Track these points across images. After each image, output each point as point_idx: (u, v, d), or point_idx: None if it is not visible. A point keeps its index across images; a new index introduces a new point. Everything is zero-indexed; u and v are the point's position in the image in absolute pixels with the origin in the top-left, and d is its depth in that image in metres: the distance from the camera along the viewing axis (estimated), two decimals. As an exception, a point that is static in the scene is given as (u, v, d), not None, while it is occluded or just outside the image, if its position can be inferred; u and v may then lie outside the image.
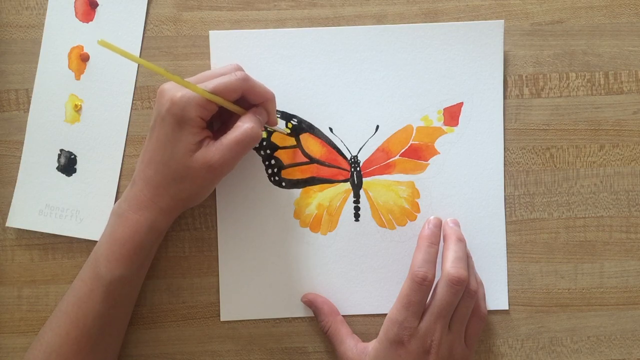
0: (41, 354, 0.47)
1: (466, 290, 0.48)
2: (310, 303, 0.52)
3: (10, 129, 0.53)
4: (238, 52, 0.53)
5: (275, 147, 0.53)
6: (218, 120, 0.51)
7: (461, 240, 0.50)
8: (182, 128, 0.45)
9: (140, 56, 0.53)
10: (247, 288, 0.53)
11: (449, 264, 0.48)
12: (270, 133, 0.53)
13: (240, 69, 0.49)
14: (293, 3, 0.53)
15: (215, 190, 0.53)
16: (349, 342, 0.50)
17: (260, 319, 0.53)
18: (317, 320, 0.52)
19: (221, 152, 0.46)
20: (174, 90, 0.46)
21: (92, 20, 0.53)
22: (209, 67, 0.53)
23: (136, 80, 0.53)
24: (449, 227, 0.52)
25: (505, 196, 0.53)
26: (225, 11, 0.53)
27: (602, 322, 0.54)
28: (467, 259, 0.50)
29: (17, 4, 0.53)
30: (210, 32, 0.53)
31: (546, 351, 0.53)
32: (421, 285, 0.47)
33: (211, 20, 0.53)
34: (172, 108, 0.45)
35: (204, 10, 0.53)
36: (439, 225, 0.51)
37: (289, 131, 0.53)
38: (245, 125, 0.47)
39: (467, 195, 0.53)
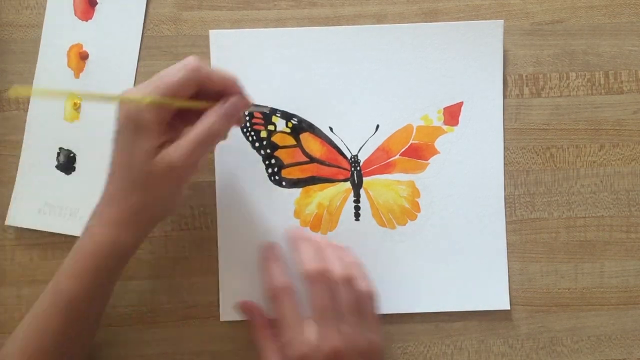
0: None
1: (337, 279, 0.46)
2: (243, 311, 0.52)
3: (10, 129, 0.53)
4: (238, 52, 0.53)
5: (275, 147, 0.53)
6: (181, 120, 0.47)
7: (305, 239, 0.49)
8: (138, 134, 0.43)
9: (140, 55, 0.53)
10: (247, 288, 0.53)
11: (302, 263, 0.47)
12: (270, 133, 0.53)
13: (195, 59, 0.44)
14: (293, 3, 0.53)
15: (215, 190, 0.53)
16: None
17: (260, 319, 0.53)
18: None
19: (180, 151, 0.43)
20: (130, 97, 0.43)
21: (91, 18, 0.53)
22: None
23: (135, 80, 0.53)
24: (290, 231, 0.51)
25: (505, 196, 0.53)
26: (225, 11, 0.53)
27: (602, 322, 0.53)
28: (323, 252, 0.48)
29: (17, 3, 0.53)
30: (210, 31, 0.53)
31: (546, 351, 0.53)
32: (281, 300, 0.46)
33: (211, 19, 0.53)
34: (128, 115, 0.43)
35: (204, 10, 0.53)
36: (272, 247, 0.50)
37: (268, 111, 0.52)
38: (204, 122, 0.44)
39: (467, 195, 0.53)
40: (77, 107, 0.53)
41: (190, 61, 0.44)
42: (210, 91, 0.45)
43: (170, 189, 0.45)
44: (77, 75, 0.53)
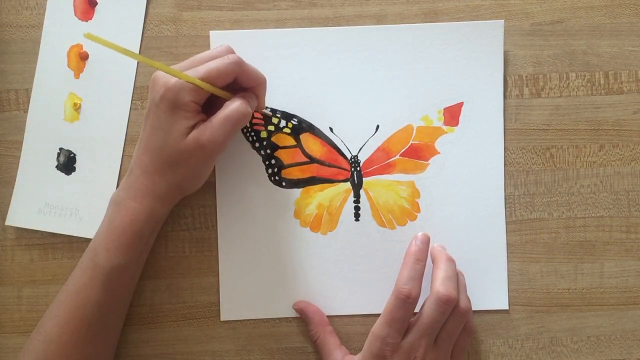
0: (40, 344, 0.47)
1: (457, 309, 0.48)
2: (300, 311, 0.52)
3: (10, 129, 0.53)
4: (238, 52, 0.52)
5: (275, 147, 0.53)
6: (209, 104, 0.50)
7: (451, 260, 0.50)
8: (175, 113, 0.45)
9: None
10: (247, 288, 0.53)
11: (439, 283, 0.48)
12: (270, 133, 0.53)
13: (232, 51, 0.48)
14: (293, 3, 0.53)
15: (215, 190, 0.53)
16: (337, 354, 0.50)
17: (260, 319, 0.53)
18: (306, 328, 0.52)
19: (211, 129, 0.46)
20: (167, 77, 0.46)
21: (91, 18, 0.53)
22: (209, 67, 0.53)
23: (135, 79, 0.53)
24: (437, 248, 0.52)
25: (505, 196, 0.53)
26: (225, 11, 0.53)
27: (602, 322, 0.53)
28: (457, 279, 0.49)
29: (17, 4, 0.53)
30: (211, 32, 0.53)
31: (546, 351, 0.53)
32: (405, 302, 0.46)
33: (211, 20, 0.53)
34: (166, 94, 0.45)
35: (204, 10, 0.53)
36: (426, 241, 0.50)
37: (270, 114, 0.53)
38: (234, 104, 0.47)
39: (467, 195, 0.53)
40: (77, 107, 0.53)
41: (232, 54, 0.47)
42: (236, 85, 0.48)
43: (200, 166, 0.48)
44: (77, 76, 0.53)
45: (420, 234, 0.50)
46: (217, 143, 0.46)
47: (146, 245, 0.49)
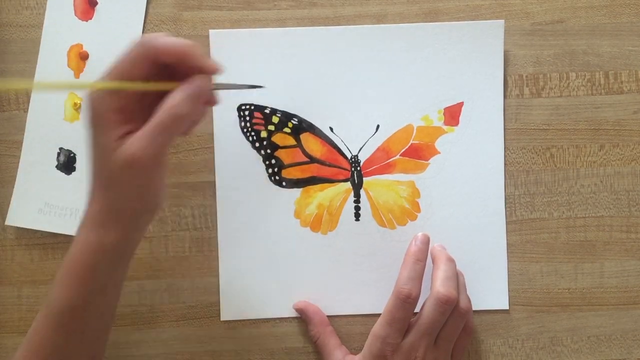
0: None
1: (457, 309, 0.48)
2: (301, 311, 0.52)
3: (10, 129, 0.53)
4: (238, 52, 0.53)
5: (275, 147, 0.53)
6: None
7: (451, 261, 0.50)
8: (96, 128, 0.39)
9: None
10: (247, 288, 0.53)
11: (439, 283, 0.48)
12: (270, 133, 0.53)
13: (148, 35, 0.41)
14: (293, 3, 0.53)
15: (215, 190, 0.53)
16: (337, 354, 0.50)
17: (260, 319, 0.53)
18: (307, 328, 0.52)
19: (138, 141, 0.38)
20: (89, 93, 0.40)
21: (91, 18, 0.53)
22: (209, 67, 0.53)
23: (136, 80, 0.53)
24: (437, 248, 0.52)
25: (505, 196, 0.53)
26: (225, 11, 0.53)
27: (602, 322, 0.53)
28: (457, 279, 0.49)
29: (17, 3, 0.53)
30: (211, 31, 0.53)
31: (546, 351, 0.53)
32: (405, 303, 0.46)
33: (211, 20, 0.53)
34: (86, 110, 0.40)
35: (204, 10, 0.53)
36: (426, 242, 0.50)
37: (249, 85, 0.49)
38: (167, 104, 0.38)
39: (468, 195, 0.53)
40: (77, 107, 0.53)
41: (142, 36, 0.41)
42: (178, 69, 0.40)
43: (136, 187, 0.39)
44: (77, 76, 0.53)
45: (420, 234, 0.51)
46: (149, 157, 0.38)
47: (106, 280, 0.41)
